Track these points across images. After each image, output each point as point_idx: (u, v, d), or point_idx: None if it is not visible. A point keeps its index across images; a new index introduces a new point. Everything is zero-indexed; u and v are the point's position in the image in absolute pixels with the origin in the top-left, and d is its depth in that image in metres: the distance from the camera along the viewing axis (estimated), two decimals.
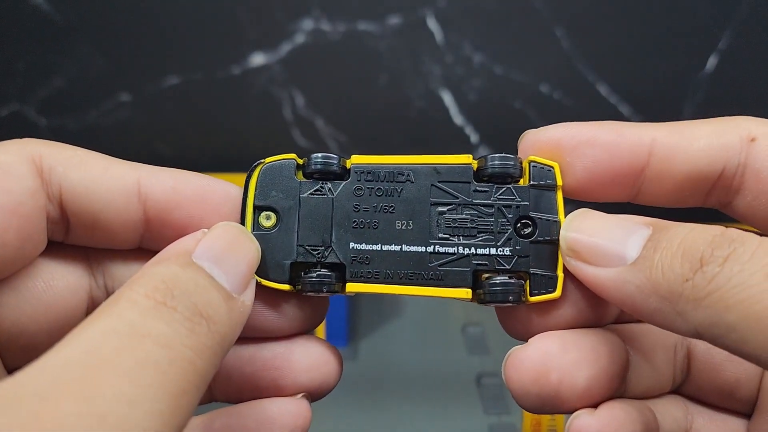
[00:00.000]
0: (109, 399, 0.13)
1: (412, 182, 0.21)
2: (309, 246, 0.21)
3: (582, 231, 0.19)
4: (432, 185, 0.21)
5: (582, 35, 0.67)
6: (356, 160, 0.21)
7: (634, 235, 0.18)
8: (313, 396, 0.22)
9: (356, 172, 0.21)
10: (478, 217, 0.21)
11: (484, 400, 0.53)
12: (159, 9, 0.67)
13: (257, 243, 0.20)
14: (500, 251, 0.20)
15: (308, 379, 0.22)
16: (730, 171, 0.20)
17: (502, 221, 0.20)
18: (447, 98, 0.69)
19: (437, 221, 0.21)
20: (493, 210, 0.21)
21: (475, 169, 0.21)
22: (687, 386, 0.23)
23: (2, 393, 0.13)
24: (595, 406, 0.20)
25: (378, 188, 0.21)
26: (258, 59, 0.68)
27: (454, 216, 0.21)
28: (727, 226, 0.17)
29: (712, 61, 0.67)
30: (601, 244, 0.18)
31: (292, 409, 0.21)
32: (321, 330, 0.59)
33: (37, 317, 0.19)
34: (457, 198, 0.21)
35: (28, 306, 0.19)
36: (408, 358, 0.60)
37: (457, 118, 0.70)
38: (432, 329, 0.65)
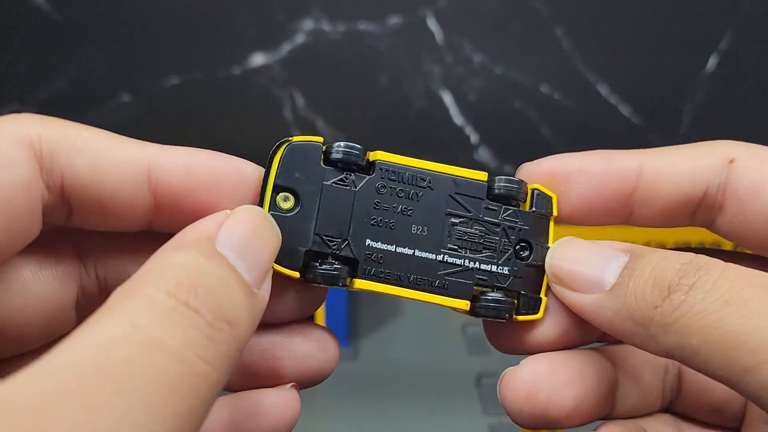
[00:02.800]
0: (110, 420, 0.12)
1: (432, 189, 0.22)
2: (326, 236, 0.20)
3: (565, 259, 0.21)
4: (450, 196, 0.22)
5: (582, 35, 0.67)
6: (381, 156, 0.21)
7: (612, 262, 0.19)
8: (311, 383, 0.22)
9: (381, 169, 0.21)
10: (486, 233, 0.22)
11: (483, 400, 0.53)
12: (159, 10, 0.67)
13: (279, 230, 0.19)
14: (500, 269, 0.21)
15: (307, 367, 0.21)
16: (712, 191, 0.21)
17: (504, 241, 0.22)
18: (447, 98, 0.69)
19: (449, 231, 0.21)
20: (499, 229, 0.22)
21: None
22: (678, 404, 0.24)
23: None
24: (586, 423, 0.21)
25: (400, 189, 0.21)
26: (258, 59, 0.68)
27: (465, 229, 0.21)
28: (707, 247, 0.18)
29: (712, 61, 0.67)
30: (582, 272, 0.20)
31: (281, 401, 0.21)
32: None
33: (24, 308, 0.18)
34: (470, 212, 0.22)
35: (14, 297, 0.18)
36: (408, 358, 0.60)
37: (457, 119, 0.70)
38: (432, 329, 0.65)
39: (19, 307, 0.18)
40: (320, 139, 0.21)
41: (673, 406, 0.24)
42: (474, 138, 0.70)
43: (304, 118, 0.70)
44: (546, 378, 0.20)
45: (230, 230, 0.17)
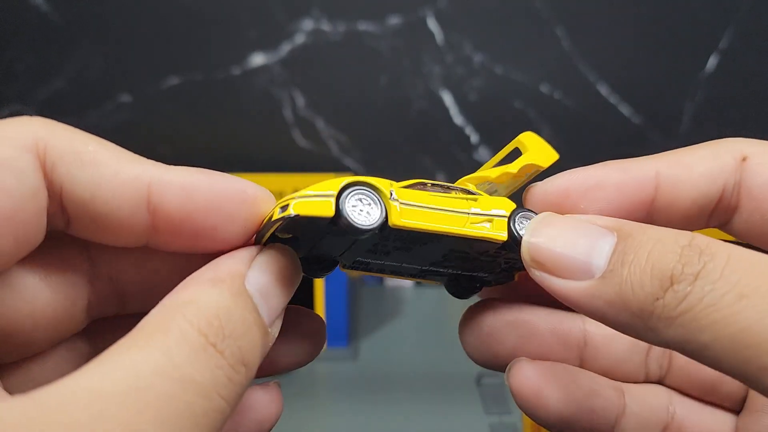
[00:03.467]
0: None
1: (438, 242, 0.20)
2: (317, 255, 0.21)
3: (544, 236, 0.19)
4: (452, 249, 0.21)
5: (582, 35, 0.67)
6: (403, 224, 0.19)
7: (600, 243, 0.18)
8: (296, 367, 0.23)
9: (395, 231, 0.19)
10: (481, 262, 0.22)
11: (484, 399, 0.53)
12: (159, 10, 0.67)
13: (301, 272, 0.20)
14: (486, 276, 0.22)
15: (291, 362, 0.22)
16: (728, 191, 0.20)
17: (499, 266, 0.22)
18: (447, 98, 0.69)
19: (442, 261, 0.22)
20: (496, 260, 0.21)
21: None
22: (669, 379, 0.24)
23: (25, 413, 0.13)
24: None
25: (404, 238, 0.20)
26: (258, 59, 0.68)
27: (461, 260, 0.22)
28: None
29: (712, 61, 0.67)
30: (566, 254, 0.18)
31: (267, 397, 0.21)
32: None
33: (33, 314, 0.18)
34: (471, 255, 0.21)
35: (23, 303, 0.18)
36: (408, 358, 0.60)
37: (458, 118, 0.70)
38: (432, 329, 0.65)
39: (28, 314, 0.18)
40: (330, 212, 0.18)
41: (665, 380, 0.24)
42: (474, 138, 0.70)
43: (305, 118, 0.70)
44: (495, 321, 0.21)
45: (259, 270, 0.18)
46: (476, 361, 0.23)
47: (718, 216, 0.21)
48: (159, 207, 0.18)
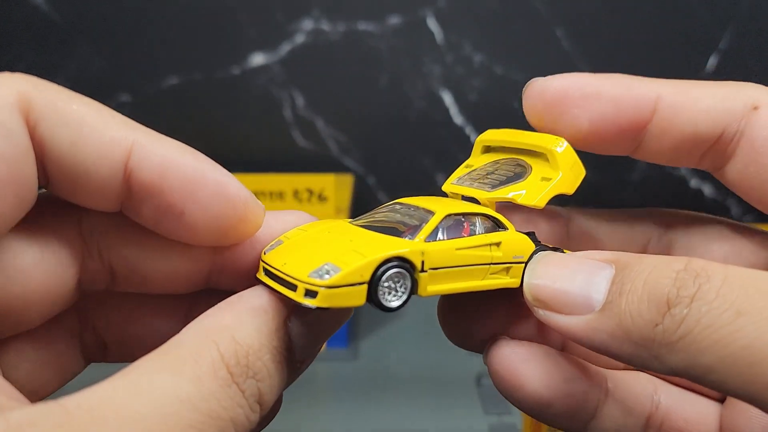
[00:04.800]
0: None
1: None
2: None
3: (544, 277, 0.19)
4: None
5: (582, 35, 0.67)
6: (426, 292, 0.19)
7: (598, 277, 0.17)
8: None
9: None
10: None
11: (484, 400, 0.53)
12: (159, 10, 0.67)
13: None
14: None
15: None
16: (728, 136, 0.20)
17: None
18: (447, 98, 0.69)
19: None
20: None
21: None
22: None
23: (56, 422, 0.13)
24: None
25: None
26: (258, 59, 0.68)
27: None
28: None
29: (712, 61, 0.67)
30: (566, 290, 0.18)
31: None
32: None
33: (25, 293, 0.18)
34: None
35: (15, 282, 0.18)
36: (408, 359, 0.60)
37: (458, 118, 0.70)
38: (432, 329, 0.65)
39: (21, 293, 0.18)
40: (361, 301, 0.18)
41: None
42: (474, 138, 0.70)
43: (304, 118, 0.70)
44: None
45: (303, 326, 0.18)
46: (455, 343, 0.23)
47: (710, 159, 0.21)
48: (133, 173, 0.18)
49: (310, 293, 0.17)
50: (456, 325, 0.23)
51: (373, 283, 0.17)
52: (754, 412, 0.21)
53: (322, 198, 0.58)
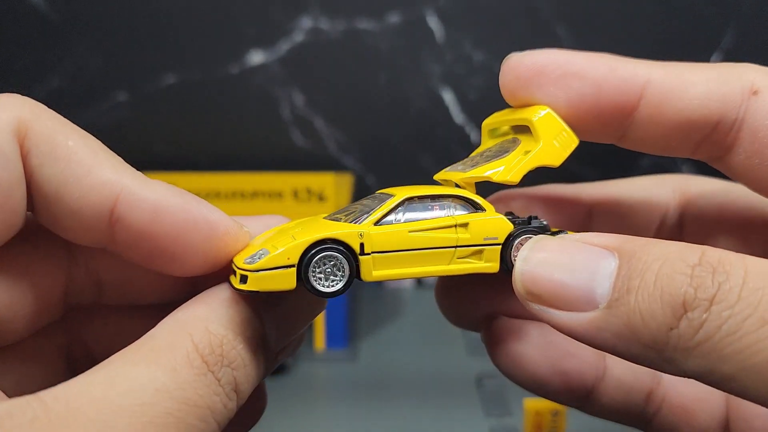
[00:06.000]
0: None
1: None
2: None
3: (539, 264, 0.16)
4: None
5: (583, 34, 0.66)
6: (371, 277, 0.18)
7: (600, 267, 0.15)
8: None
9: None
10: None
11: (484, 401, 0.53)
12: (156, 8, 0.67)
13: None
14: None
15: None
16: (726, 125, 0.18)
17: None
18: (447, 97, 0.69)
19: None
20: None
21: None
22: None
23: (33, 416, 0.13)
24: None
25: None
26: (256, 58, 0.68)
27: None
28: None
29: (715, 60, 0.67)
30: (564, 284, 0.16)
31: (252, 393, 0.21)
32: (321, 332, 0.59)
33: (12, 302, 0.18)
34: None
35: (1, 291, 0.18)
36: (408, 360, 0.59)
37: (458, 117, 0.69)
38: (432, 330, 0.65)
39: (7, 302, 0.18)
40: (291, 285, 0.17)
41: None
42: (474, 136, 0.70)
43: (303, 117, 0.70)
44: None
45: (275, 315, 0.18)
46: (452, 322, 0.23)
47: (707, 149, 0.19)
48: (122, 219, 0.17)
49: (243, 279, 0.17)
50: (452, 304, 0.22)
51: (303, 266, 0.17)
52: None
53: (321, 197, 0.58)
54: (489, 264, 0.18)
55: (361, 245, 0.17)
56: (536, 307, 0.16)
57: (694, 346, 0.14)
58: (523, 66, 0.19)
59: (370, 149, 0.71)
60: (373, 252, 0.17)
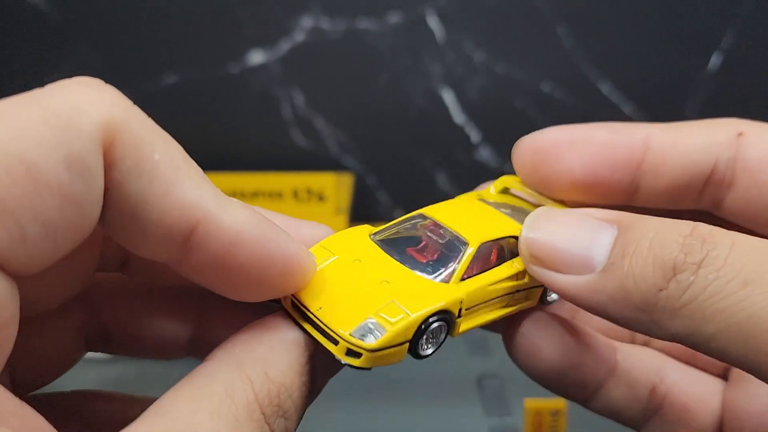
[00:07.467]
0: None
1: None
2: None
3: (543, 231, 0.18)
4: None
5: (584, 33, 0.66)
6: (458, 333, 0.18)
7: (600, 236, 0.17)
8: None
9: None
10: None
11: (485, 401, 0.53)
12: (156, 7, 0.67)
13: None
14: None
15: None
16: (721, 165, 0.20)
17: None
18: (448, 97, 0.69)
19: None
20: None
21: None
22: (654, 342, 0.24)
23: None
24: None
25: None
26: (257, 57, 0.68)
27: None
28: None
29: (715, 60, 0.67)
30: (566, 248, 0.17)
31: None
32: None
33: (41, 353, 0.19)
34: None
35: (34, 345, 0.18)
36: (408, 359, 0.59)
37: (458, 117, 0.69)
38: None
39: (38, 354, 0.18)
40: (401, 358, 0.18)
41: (651, 343, 0.24)
42: (475, 137, 0.70)
43: (304, 117, 0.70)
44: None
45: (327, 359, 0.18)
46: None
47: (710, 193, 0.21)
48: (197, 247, 0.16)
49: (353, 353, 0.16)
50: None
51: (415, 338, 0.17)
52: (756, 390, 0.21)
53: (321, 198, 0.58)
54: (530, 302, 0.20)
55: (460, 310, 0.18)
56: (537, 270, 0.18)
57: (680, 306, 0.15)
58: (538, 142, 0.21)
59: (371, 149, 0.71)
60: (465, 311, 0.18)
